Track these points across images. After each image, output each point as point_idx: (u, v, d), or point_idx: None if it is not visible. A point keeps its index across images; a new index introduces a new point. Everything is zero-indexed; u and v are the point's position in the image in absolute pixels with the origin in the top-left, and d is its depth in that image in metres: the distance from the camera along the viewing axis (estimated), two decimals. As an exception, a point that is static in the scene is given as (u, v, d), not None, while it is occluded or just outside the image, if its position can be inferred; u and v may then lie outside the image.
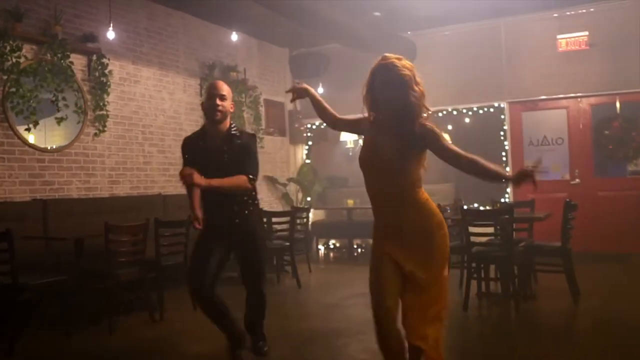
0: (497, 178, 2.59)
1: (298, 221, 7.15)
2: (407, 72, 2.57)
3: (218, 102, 3.55)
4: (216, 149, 3.62)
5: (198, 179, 3.35)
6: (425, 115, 2.63)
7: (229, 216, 3.68)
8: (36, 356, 4.24)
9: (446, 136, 9.70)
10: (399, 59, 2.61)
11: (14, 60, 5.56)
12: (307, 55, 9.54)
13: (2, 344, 4.21)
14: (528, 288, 5.45)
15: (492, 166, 2.52)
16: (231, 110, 3.68)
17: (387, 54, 2.66)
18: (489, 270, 5.50)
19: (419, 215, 2.65)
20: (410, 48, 8.93)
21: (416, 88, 2.58)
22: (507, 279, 5.22)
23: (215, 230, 3.67)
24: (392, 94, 2.57)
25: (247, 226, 3.72)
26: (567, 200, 5.26)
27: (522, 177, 2.42)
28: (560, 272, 5.22)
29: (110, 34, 6.47)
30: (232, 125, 3.70)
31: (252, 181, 3.62)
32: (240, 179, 3.55)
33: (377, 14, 8.01)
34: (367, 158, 2.71)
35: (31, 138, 5.84)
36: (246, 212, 3.70)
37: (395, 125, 2.62)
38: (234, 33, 8.43)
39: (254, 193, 3.76)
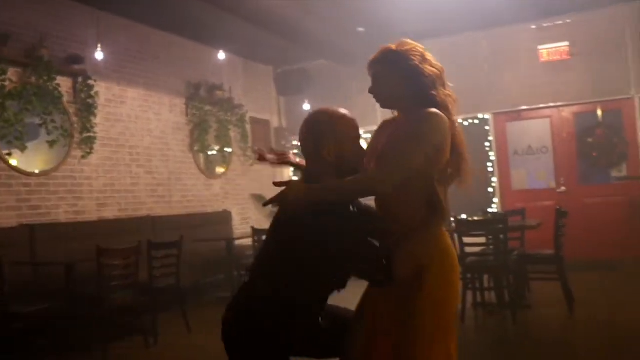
0: None
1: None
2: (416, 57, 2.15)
3: None
4: None
5: None
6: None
7: None
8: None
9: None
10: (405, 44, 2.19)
11: (-1, 84, 5.50)
12: (291, 72, 9.57)
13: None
14: (523, 297, 5.47)
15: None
16: None
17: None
18: (482, 280, 5.52)
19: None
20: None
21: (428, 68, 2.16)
22: (502, 288, 5.23)
23: None
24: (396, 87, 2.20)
25: None
26: (558, 207, 5.30)
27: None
28: (553, 280, 5.26)
29: (99, 55, 6.45)
30: None
31: None
32: None
33: (360, 29, 8.07)
34: None
35: (13, 162, 5.74)
36: None
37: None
38: (219, 52, 8.39)
39: None
